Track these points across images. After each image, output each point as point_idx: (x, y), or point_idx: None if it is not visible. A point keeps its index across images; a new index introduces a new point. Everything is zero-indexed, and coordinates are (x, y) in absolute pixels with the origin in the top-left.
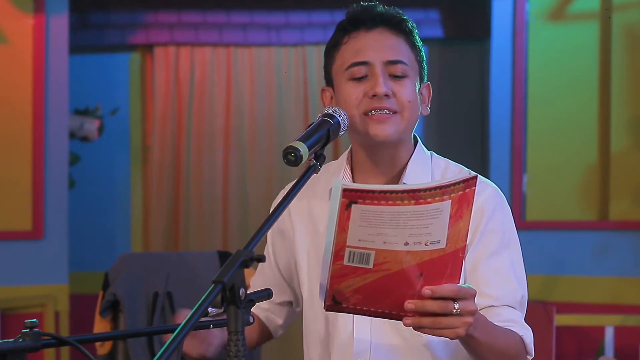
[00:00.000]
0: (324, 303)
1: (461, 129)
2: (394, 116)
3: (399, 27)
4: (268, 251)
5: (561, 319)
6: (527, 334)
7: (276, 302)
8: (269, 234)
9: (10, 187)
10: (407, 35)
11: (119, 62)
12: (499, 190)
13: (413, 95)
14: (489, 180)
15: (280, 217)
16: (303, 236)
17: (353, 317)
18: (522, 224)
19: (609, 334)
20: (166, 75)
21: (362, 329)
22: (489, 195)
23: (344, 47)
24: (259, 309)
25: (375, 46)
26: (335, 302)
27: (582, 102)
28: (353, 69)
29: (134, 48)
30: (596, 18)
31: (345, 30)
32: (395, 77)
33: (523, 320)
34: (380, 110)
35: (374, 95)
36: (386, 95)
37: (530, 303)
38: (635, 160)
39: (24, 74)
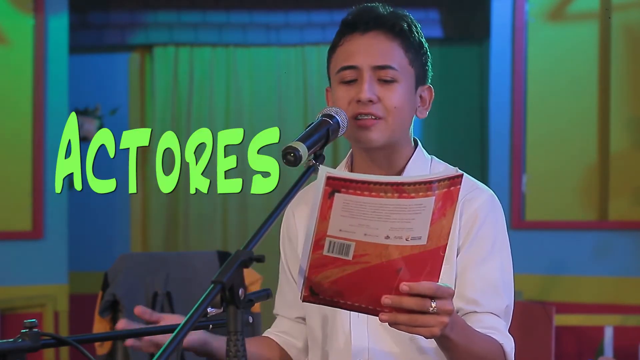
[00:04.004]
0: (301, 293)
1: (461, 129)
2: (379, 122)
3: (392, 30)
4: (282, 262)
5: (561, 319)
6: (507, 343)
7: (293, 317)
8: (281, 243)
9: (10, 187)
10: (402, 38)
11: (118, 62)
12: (495, 196)
13: (401, 100)
14: (486, 186)
15: (288, 223)
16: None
17: (350, 317)
18: (522, 224)
19: (609, 334)
20: (166, 75)
21: (359, 329)
22: (484, 201)
23: (338, 50)
24: (276, 334)
25: (366, 51)
26: (312, 293)
27: (581, 102)
28: (343, 73)
29: (133, 48)
30: (596, 18)
31: (342, 33)
32: (384, 82)
33: (506, 330)
34: (365, 115)
35: (359, 101)
36: (370, 100)
37: (530, 303)
38: (635, 160)
39: (24, 74)
